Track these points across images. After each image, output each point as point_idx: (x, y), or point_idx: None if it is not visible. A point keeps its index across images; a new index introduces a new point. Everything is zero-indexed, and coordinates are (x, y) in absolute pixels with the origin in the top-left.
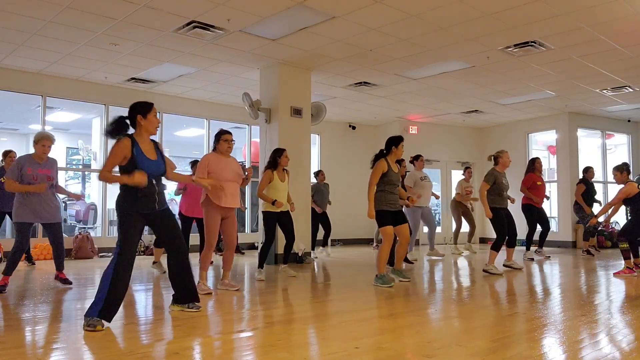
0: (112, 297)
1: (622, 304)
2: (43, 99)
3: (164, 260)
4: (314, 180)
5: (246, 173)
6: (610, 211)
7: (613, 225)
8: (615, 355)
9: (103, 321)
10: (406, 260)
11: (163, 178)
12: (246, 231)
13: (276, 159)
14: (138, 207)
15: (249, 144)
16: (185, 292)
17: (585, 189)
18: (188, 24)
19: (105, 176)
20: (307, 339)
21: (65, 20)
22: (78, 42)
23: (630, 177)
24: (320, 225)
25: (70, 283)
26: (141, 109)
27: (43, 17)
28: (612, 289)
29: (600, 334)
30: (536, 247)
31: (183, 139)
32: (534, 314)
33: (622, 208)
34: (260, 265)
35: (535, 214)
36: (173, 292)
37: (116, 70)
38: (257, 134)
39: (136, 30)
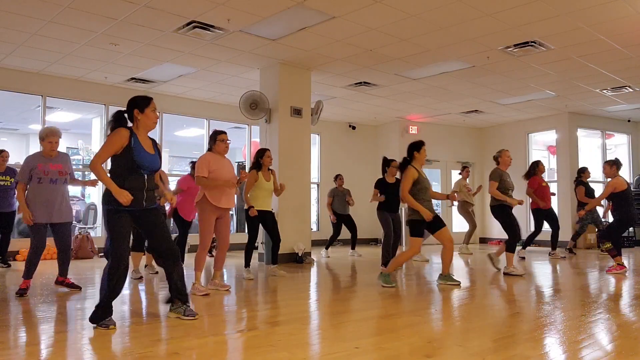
0: (107, 301)
1: (621, 303)
2: (43, 99)
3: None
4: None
5: (239, 177)
6: (605, 205)
7: None
8: (615, 355)
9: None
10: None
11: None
12: (245, 231)
13: (259, 159)
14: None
15: (249, 144)
16: (176, 293)
17: (586, 190)
18: (188, 24)
19: (96, 168)
20: (307, 339)
21: (65, 20)
22: (78, 42)
23: (620, 173)
24: (342, 228)
25: (80, 288)
26: (138, 103)
27: (43, 17)
28: (611, 288)
29: (600, 333)
30: (549, 249)
31: (183, 139)
32: (534, 314)
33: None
34: (247, 265)
35: (542, 216)
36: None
37: (116, 70)
38: (257, 134)
39: (136, 30)
